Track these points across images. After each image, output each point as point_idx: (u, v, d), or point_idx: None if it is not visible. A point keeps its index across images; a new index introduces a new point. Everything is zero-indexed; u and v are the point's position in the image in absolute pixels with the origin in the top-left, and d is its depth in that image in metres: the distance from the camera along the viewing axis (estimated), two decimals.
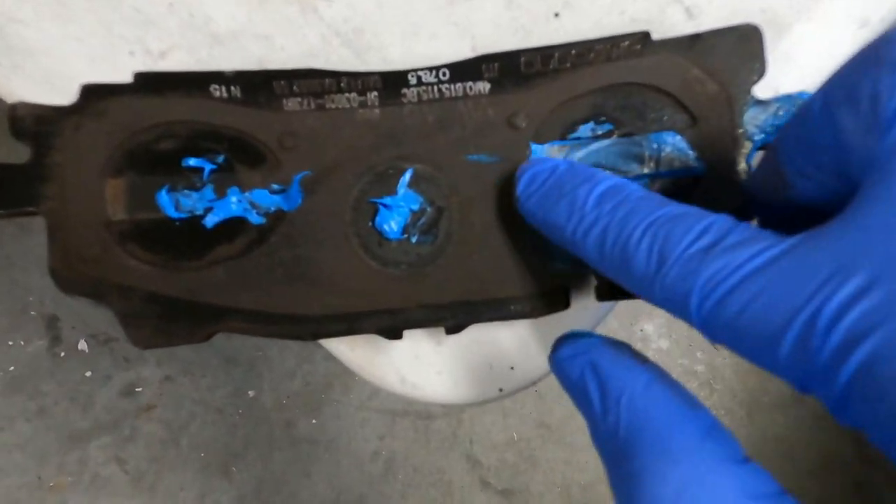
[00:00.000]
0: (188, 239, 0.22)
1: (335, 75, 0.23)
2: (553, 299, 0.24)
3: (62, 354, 0.94)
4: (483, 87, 0.24)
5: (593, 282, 0.24)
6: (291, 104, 0.23)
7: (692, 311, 0.16)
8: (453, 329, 0.24)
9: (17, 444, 0.91)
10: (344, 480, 0.97)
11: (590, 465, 1.03)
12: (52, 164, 0.22)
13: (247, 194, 0.23)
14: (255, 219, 0.23)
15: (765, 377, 1.11)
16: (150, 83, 0.22)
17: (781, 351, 0.14)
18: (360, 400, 0.99)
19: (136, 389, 0.95)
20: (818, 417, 1.10)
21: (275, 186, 0.23)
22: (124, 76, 0.22)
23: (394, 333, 0.24)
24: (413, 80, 0.23)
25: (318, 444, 0.97)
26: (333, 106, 0.23)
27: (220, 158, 0.23)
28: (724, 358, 1.10)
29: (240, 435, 0.96)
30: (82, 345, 0.94)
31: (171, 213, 0.22)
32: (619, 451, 0.17)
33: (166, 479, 0.93)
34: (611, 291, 0.23)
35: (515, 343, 0.26)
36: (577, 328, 0.25)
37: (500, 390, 0.26)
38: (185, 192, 0.23)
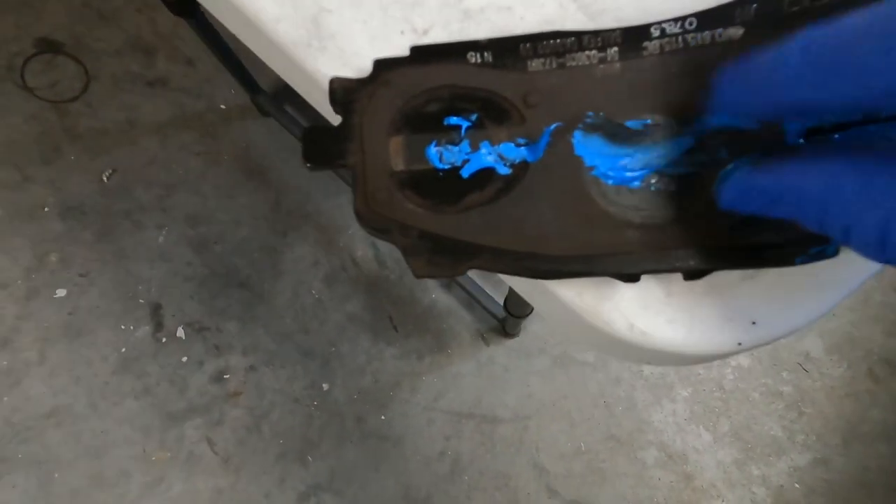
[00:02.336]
0: (449, 186, 0.25)
1: (577, 35, 0.24)
2: (817, 247, 0.22)
3: (163, 340, 1.03)
4: (735, 32, 0.23)
5: None
6: (535, 65, 0.25)
7: None
8: (695, 275, 0.24)
9: (126, 418, 1.01)
10: (411, 478, 1.00)
11: (662, 483, 0.99)
12: (354, 125, 0.26)
13: (496, 147, 0.25)
14: (502, 169, 0.25)
15: (864, 404, 1.02)
16: (422, 55, 0.26)
17: None
18: (426, 400, 1.02)
19: (225, 376, 1.03)
20: None
21: (520, 140, 0.25)
22: (395, 51, 0.27)
23: (631, 277, 0.24)
24: (656, 33, 0.24)
25: (386, 440, 1.01)
26: (574, 64, 0.24)
27: (474, 117, 0.25)
28: (815, 381, 1.02)
29: (315, 426, 1.01)
30: (180, 332, 1.04)
31: (437, 164, 0.25)
32: None
33: (249, 462, 1.00)
34: None
35: (759, 296, 0.25)
36: (835, 283, 0.24)
37: (739, 344, 0.25)
38: (447, 146, 0.26)
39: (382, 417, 1.02)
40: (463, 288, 1.00)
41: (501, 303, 0.97)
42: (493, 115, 0.25)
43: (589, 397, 1.02)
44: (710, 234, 0.23)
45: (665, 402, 1.02)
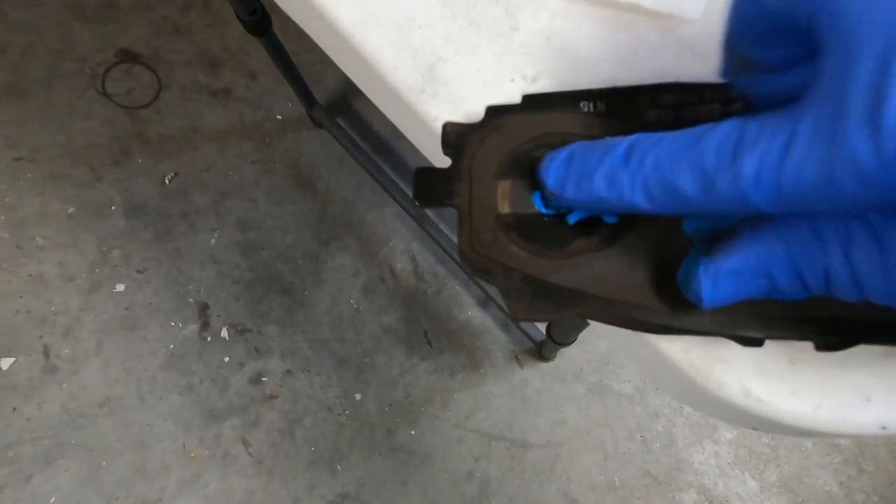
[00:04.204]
0: (554, 232, 0.25)
1: (698, 88, 0.24)
2: None
3: (208, 339, 1.07)
4: None
5: None
6: (651, 115, 0.25)
7: (756, 203, 0.17)
8: (831, 346, 0.21)
9: (170, 413, 1.04)
10: (439, 496, 0.98)
11: None
12: (464, 168, 0.26)
13: None
14: (610, 218, 0.25)
15: None
16: (534, 102, 0.26)
17: (862, 156, 0.15)
18: (457, 418, 1.00)
19: (263, 379, 1.05)
20: None
21: None
22: (504, 98, 0.27)
23: (753, 341, 0.22)
24: None
25: (415, 454, 1.00)
26: (692, 117, 0.24)
27: None
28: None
29: (345, 435, 1.01)
30: (224, 332, 1.07)
31: (543, 209, 0.25)
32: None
33: (281, 465, 1.01)
34: None
35: None
36: None
37: (884, 428, 0.22)
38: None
39: (412, 432, 1.01)
40: (500, 307, 0.98)
41: (540, 326, 0.95)
42: None
43: (625, 430, 0.98)
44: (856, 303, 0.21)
45: (707, 442, 0.96)
